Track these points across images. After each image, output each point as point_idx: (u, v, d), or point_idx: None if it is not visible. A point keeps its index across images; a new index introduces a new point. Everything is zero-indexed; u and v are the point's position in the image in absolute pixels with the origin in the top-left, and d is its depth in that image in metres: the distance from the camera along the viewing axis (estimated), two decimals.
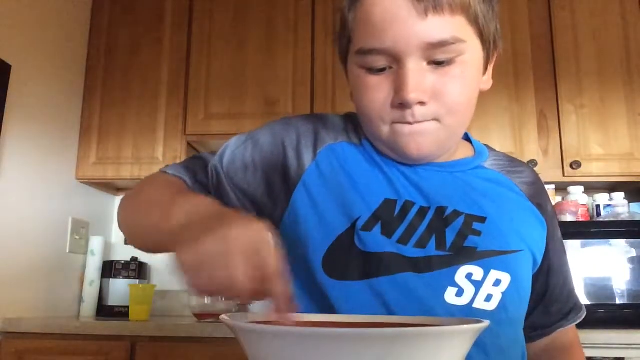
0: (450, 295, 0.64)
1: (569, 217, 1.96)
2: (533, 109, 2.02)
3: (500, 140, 2.00)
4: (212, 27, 2.19)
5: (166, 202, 0.60)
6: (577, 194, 2.06)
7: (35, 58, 1.95)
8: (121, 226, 0.73)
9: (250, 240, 0.46)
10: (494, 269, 0.66)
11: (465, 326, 0.38)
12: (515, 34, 2.08)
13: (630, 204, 2.03)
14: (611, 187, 2.12)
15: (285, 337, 0.36)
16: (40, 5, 1.98)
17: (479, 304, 0.65)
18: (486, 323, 0.41)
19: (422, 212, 0.68)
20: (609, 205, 2.01)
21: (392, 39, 0.61)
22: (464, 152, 0.77)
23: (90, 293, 2.10)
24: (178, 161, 2.08)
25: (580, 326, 0.83)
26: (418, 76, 0.62)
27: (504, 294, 0.66)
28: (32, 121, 1.93)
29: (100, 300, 2.13)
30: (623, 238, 1.78)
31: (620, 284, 1.75)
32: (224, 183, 0.72)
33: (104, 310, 2.11)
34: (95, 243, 2.15)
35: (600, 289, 1.75)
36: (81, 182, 2.18)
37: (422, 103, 0.63)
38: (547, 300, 0.79)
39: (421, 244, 0.66)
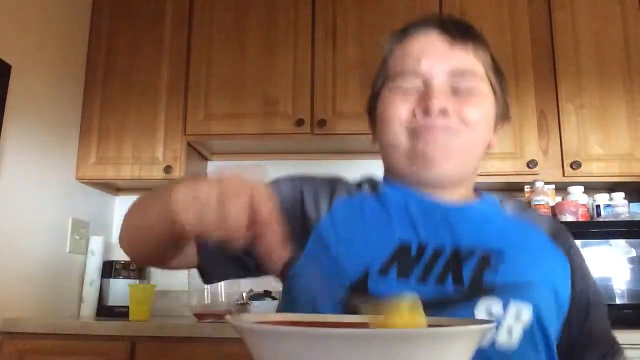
0: None
1: (569, 217, 1.96)
2: (533, 109, 2.02)
3: (500, 140, 1.97)
4: (212, 27, 2.19)
5: (169, 187, 0.61)
6: (577, 194, 2.06)
7: (35, 58, 1.95)
8: (122, 239, 0.73)
9: (245, 185, 0.47)
10: (514, 298, 0.65)
11: (470, 327, 0.38)
12: (515, 34, 2.08)
13: (630, 204, 2.03)
14: (611, 187, 2.11)
15: (290, 338, 0.36)
16: (40, 5, 1.98)
17: (502, 338, 0.64)
18: (492, 325, 0.41)
19: (437, 253, 0.69)
20: (609, 205, 2.00)
21: (424, 63, 0.73)
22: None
23: (90, 293, 2.10)
24: (178, 161, 2.10)
25: None
26: (442, 92, 0.71)
27: (525, 329, 0.65)
28: (32, 121, 1.92)
29: (100, 300, 2.13)
30: (623, 238, 1.78)
31: (620, 284, 1.75)
32: None
33: (104, 310, 2.11)
34: (95, 243, 2.15)
35: (600, 289, 1.74)
36: (81, 182, 2.18)
37: (443, 112, 0.70)
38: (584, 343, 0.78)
39: (440, 281, 0.66)
